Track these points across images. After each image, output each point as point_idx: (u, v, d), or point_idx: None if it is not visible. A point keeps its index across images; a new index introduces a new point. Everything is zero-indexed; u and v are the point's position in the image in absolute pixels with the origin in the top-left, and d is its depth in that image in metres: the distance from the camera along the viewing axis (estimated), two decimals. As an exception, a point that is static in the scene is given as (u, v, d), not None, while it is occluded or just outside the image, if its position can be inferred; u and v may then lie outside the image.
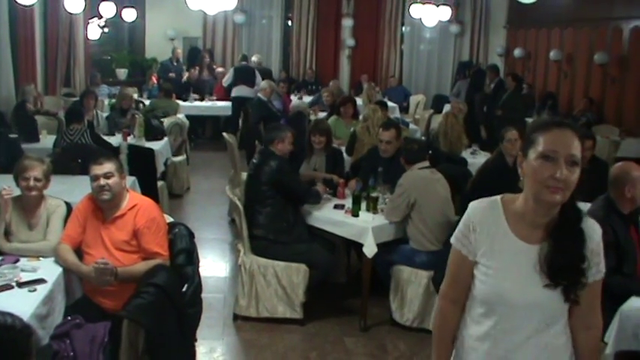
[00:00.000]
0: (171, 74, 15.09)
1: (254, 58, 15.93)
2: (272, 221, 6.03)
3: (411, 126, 11.80)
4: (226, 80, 14.40)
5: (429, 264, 5.79)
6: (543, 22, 16.25)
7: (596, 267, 2.55)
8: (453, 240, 2.69)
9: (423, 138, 9.84)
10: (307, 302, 6.02)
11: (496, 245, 2.57)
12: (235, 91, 13.99)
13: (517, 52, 17.28)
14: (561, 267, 2.49)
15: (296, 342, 5.78)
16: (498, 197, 2.66)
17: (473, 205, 2.67)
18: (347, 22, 17.89)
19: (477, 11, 18.25)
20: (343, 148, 8.36)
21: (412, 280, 5.88)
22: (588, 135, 7.36)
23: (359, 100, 11.92)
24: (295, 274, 5.94)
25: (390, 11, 18.11)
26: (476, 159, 8.37)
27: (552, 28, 15.99)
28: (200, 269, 4.79)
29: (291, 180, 6.18)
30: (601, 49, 14.08)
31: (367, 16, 18.14)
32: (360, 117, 9.20)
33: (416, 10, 15.11)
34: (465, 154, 8.51)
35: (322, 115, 10.83)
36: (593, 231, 2.56)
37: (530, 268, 2.52)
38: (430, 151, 7.16)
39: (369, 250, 5.72)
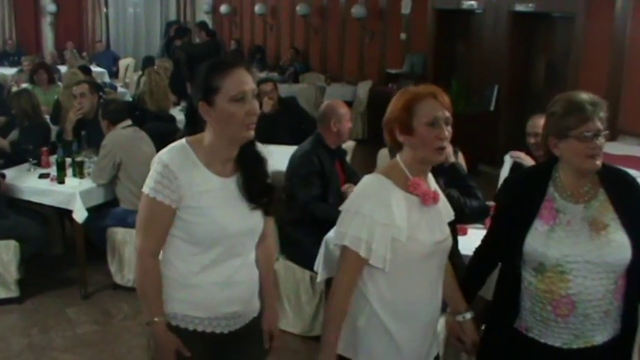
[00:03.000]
0: None
1: None
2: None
3: (120, 89, 11.65)
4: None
5: (142, 222, 5.76)
6: (247, -23, 16.67)
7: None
8: (150, 193, 2.63)
9: (130, 99, 9.70)
10: (23, 279, 5.80)
11: (199, 186, 2.63)
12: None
13: (223, 8, 17.55)
14: (258, 190, 2.72)
15: (15, 321, 5.54)
16: (183, 141, 2.69)
17: (165, 155, 2.65)
18: (46, -12, 17.12)
19: (180, -30, 18.24)
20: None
21: (127, 241, 5.84)
22: (265, 80, 7.76)
23: (64, 68, 11.49)
24: (5, 252, 5.65)
25: (90, -26, 17.59)
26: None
27: (256, -18, 16.43)
28: None
29: None
30: (302, 1, 14.67)
31: (66, -19, 17.49)
32: (61, 84, 8.92)
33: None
34: (174, 111, 8.52)
35: (25, 85, 10.29)
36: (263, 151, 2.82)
37: (235, 199, 2.69)
38: (137, 112, 7.12)
39: (79, 215, 5.61)
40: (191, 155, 2.65)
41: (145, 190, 2.66)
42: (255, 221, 2.77)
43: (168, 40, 13.12)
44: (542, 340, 2.83)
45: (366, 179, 2.73)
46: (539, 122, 4.57)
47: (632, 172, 6.30)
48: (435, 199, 2.74)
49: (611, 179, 2.81)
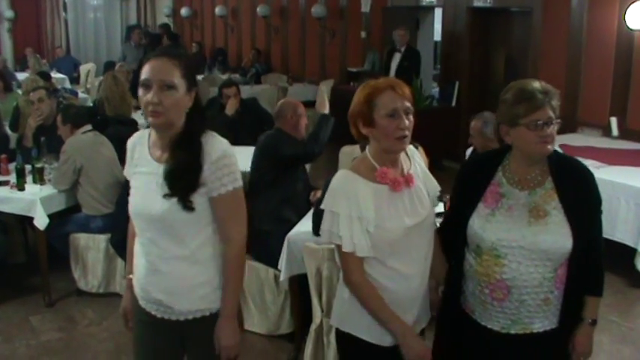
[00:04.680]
0: None
1: None
2: None
3: (81, 95, 11.52)
4: None
5: (106, 227, 5.76)
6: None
7: (219, 181, 2.70)
8: (124, 172, 2.99)
9: (91, 104, 9.60)
10: (-14, 288, 5.72)
11: (139, 167, 2.84)
12: None
13: (184, 11, 17.49)
14: (173, 177, 2.69)
15: (-23, 332, 5.47)
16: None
17: (133, 136, 2.95)
18: (3, -7, 16.91)
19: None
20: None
21: (91, 246, 5.84)
22: (228, 83, 7.90)
23: (22, 75, 11.36)
24: (-35, 261, 5.60)
25: (47, -21, 17.41)
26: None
27: (215, -16, 16.40)
28: None
29: None
30: (263, 2, 14.65)
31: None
32: (20, 91, 8.82)
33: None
34: (136, 115, 8.44)
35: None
36: (214, 149, 2.70)
37: (155, 184, 2.73)
38: (99, 117, 7.05)
39: (40, 222, 5.55)
40: (144, 140, 2.85)
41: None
42: (164, 208, 2.69)
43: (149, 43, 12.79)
44: (483, 323, 2.89)
45: (336, 176, 2.81)
46: (474, 124, 5.10)
47: (591, 162, 6.44)
48: (408, 182, 2.81)
49: (562, 168, 2.81)
